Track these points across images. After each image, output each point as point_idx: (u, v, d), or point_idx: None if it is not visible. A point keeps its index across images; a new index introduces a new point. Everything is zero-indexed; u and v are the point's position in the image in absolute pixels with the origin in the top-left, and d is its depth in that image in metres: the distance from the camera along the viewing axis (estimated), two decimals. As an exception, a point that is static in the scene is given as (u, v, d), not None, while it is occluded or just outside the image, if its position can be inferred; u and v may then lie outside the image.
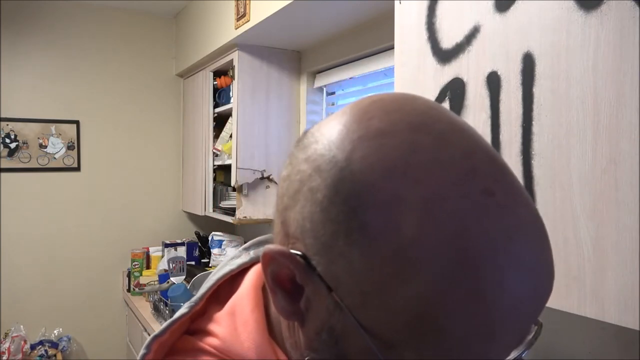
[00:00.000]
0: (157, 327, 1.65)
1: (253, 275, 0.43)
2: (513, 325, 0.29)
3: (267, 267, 0.33)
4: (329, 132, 0.32)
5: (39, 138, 2.60)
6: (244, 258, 0.45)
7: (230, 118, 2.38)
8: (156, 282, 2.51)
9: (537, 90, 0.76)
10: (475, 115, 0.87)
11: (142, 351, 0.39)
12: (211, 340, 0.40)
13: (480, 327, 0.28)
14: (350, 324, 0.30)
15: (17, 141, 2.55)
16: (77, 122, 2.69)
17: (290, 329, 0.37)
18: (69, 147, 2.68)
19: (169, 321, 0.41)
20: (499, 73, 0.82)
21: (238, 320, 0.40)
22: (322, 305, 0.31)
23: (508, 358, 0.31)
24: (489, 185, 0.29)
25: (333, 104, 2.26)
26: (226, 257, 0.49)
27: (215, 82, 2.51)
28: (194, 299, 0.42)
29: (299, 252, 0.31)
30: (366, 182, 0.28)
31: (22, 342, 2.42)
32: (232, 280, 0.44)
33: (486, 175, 0.29)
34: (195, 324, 0.42)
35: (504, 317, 0.28)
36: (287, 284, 0.33)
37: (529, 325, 0.31)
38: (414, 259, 0.27)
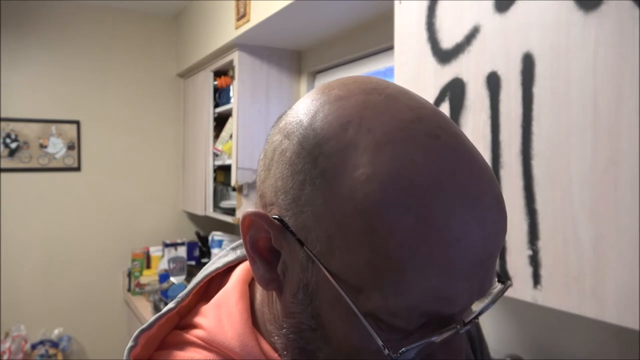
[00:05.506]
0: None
1: (240, 271, 0.45)
2: (468, 256, 0.30)
3: (246, 233, 0.36)
4: (297, 106, 0.37)
5: (39, 138, 2.60)
6: (231, 256, 0.47)
7: (230, 118, 2.38)
8: (156, 282, 2.51)
9: (537, 90, 0.76)
10: (475, 116, 0.87)
11: (129, 343, 0.40)
12: (197, 332, 0.41)
13: (435, 256, 0.29)
14: (321, 275, 0.32)
15: (18, 141, 2.55)
16: (77, 122, 2.69)
17: (270, 304, 0.39)
18: (69, 147, 2.68)
19: (156, 315, 0.42)
20: (498, 73, 0.82)
21: (223, 312, 0.41)
22: (297, 264, 0.34)
23: (473, 314, 0.32)
24: (433, 130, 0.32)
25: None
26: (215, 256, 0.52)
27: (215, 82, 2.51)
28: (181, 294, 0.44)
29: (274, 216, 0.34)
30: (326, 135, 0.33)
31: (23, 342, 2.42)
32: (221, 279, 0.46)
33: (430, 122, 0.32)
34: (184, 320, 0.44)
35: (456, 245, 0.29)
36: (265, 252, 0.36)
37: (486, 267, 0.31)
38: (368, 194, 0.30)
